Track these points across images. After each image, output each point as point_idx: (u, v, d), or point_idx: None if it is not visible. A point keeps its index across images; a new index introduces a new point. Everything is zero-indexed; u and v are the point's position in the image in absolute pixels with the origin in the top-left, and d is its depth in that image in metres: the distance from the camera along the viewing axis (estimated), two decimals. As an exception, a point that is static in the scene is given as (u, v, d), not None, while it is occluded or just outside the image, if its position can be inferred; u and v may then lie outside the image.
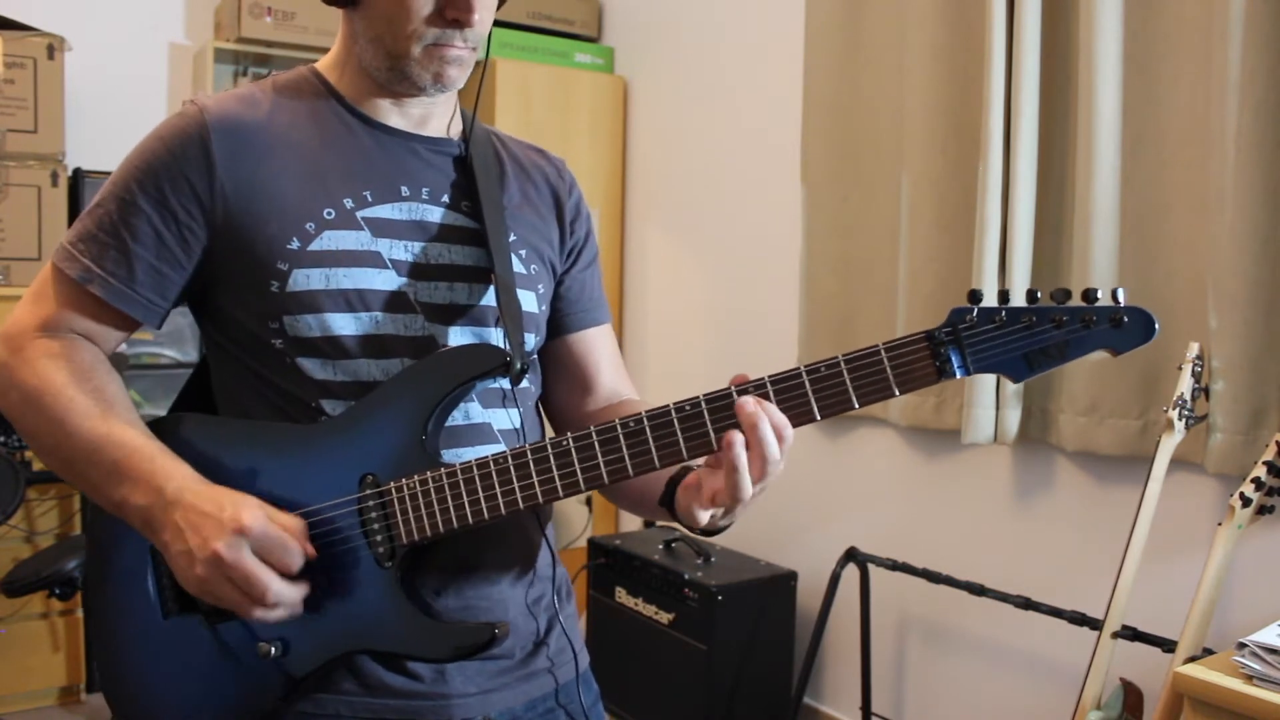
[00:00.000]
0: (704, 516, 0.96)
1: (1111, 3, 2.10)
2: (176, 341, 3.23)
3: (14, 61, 2.97)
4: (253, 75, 3.56)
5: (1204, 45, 2.00)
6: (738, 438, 0.90)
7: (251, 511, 0.94)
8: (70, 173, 3.11)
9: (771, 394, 0.92)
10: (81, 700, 3.11)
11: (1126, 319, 0.88)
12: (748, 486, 0.91)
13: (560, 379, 1.23)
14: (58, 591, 2.57)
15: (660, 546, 2.92)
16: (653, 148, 3.62)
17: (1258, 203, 1.88)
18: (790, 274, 2.93)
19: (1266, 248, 1.89)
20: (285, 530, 0.95)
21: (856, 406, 0.91)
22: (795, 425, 0.92)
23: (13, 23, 3.00)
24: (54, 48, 3.01)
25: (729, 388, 0.94)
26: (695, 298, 3.40)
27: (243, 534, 0.93)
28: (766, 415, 0.91)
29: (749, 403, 0.91)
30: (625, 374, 1.27)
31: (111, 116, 3.40)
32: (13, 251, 2.97)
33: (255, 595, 0.93)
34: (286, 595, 0.95)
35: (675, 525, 3.18)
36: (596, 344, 1.24)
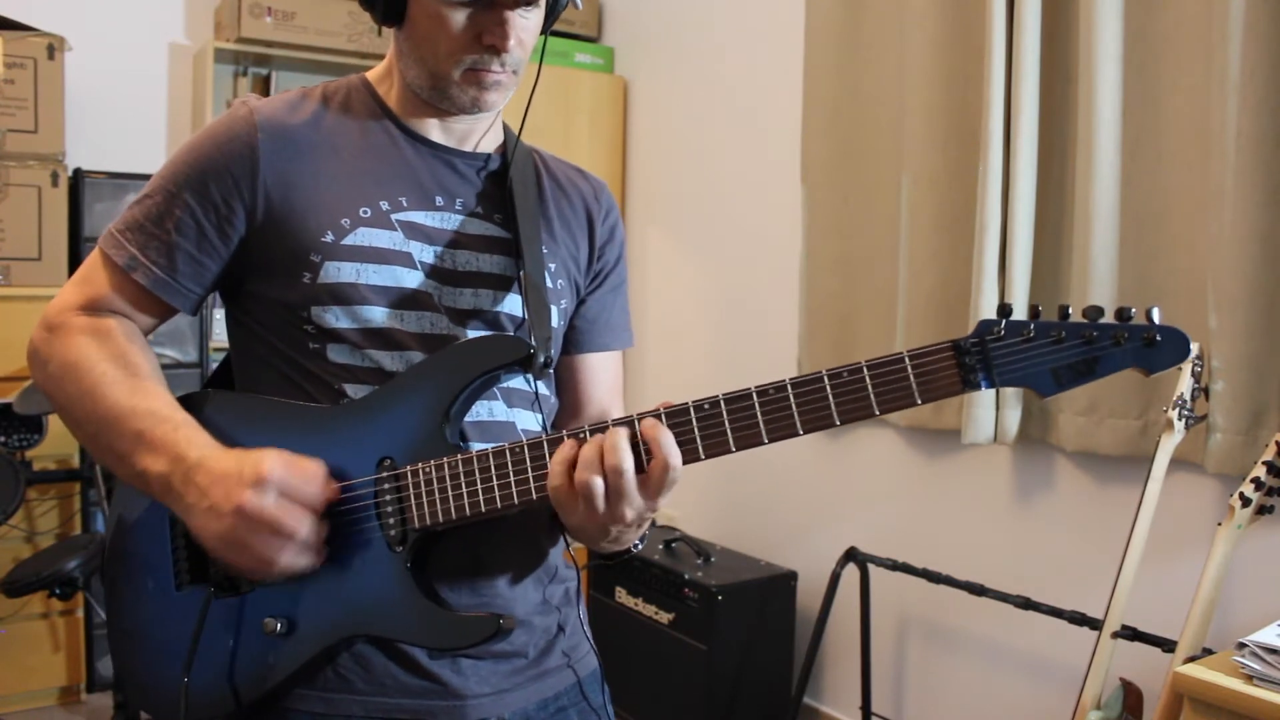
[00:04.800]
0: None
1: (1111, 3, 2.10)
2: (177, 341, 3.23)
3: (14, 61, 2.97)
4: (253, 75, 3.56)
5: (1204, 45, 2.00)
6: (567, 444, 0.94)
7: (270, 460, 0.95)
8: (70, 173, 3.11)
9: (792, 397, 0.92)
10: (81, 700, 3.11)
11: (1160, 338, 0.87)
12: (596, 504, 0.93)
13: (556, 394, 1.23)
14: (58, 591, 2.57)
15: (660, 546, 2.92)
16: (653, 148, 3.62)
17: (1258, 203, 1.88)
18: (790, 274, 2.93)
19: (1266, 248, 1.89)
20: (306, 471, 0.97)
21: (877, 413, 0.90)
22: (815, 429, 0.92)
23: (13, 23, 3.01)
24: (54, 48, 3.01)
25: (748, 389, 0.93)
26: (695, 298, 3.40)
27: (264, 482, 0.94)
28: (649, 440, 0.92)
29: (648, 427, 0.93)
30: (620, 400, 1.28)
31: (111, 116, 3.40)
32: (13, 251, 2.97)
33: (286, 533, 0.94)
34: (314, 536, 0.97)
35: (674, 526, 3.17)
36: (600, 369, 1.25)
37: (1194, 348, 1.87)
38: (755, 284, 3.15)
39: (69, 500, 3.08)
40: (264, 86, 3.54)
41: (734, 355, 3.24)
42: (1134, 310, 0.88)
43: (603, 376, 1.25)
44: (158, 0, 3.54)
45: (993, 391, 2.29)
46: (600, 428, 0.96)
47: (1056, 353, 0.88)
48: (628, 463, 0.92)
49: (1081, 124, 2.14)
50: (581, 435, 0.96)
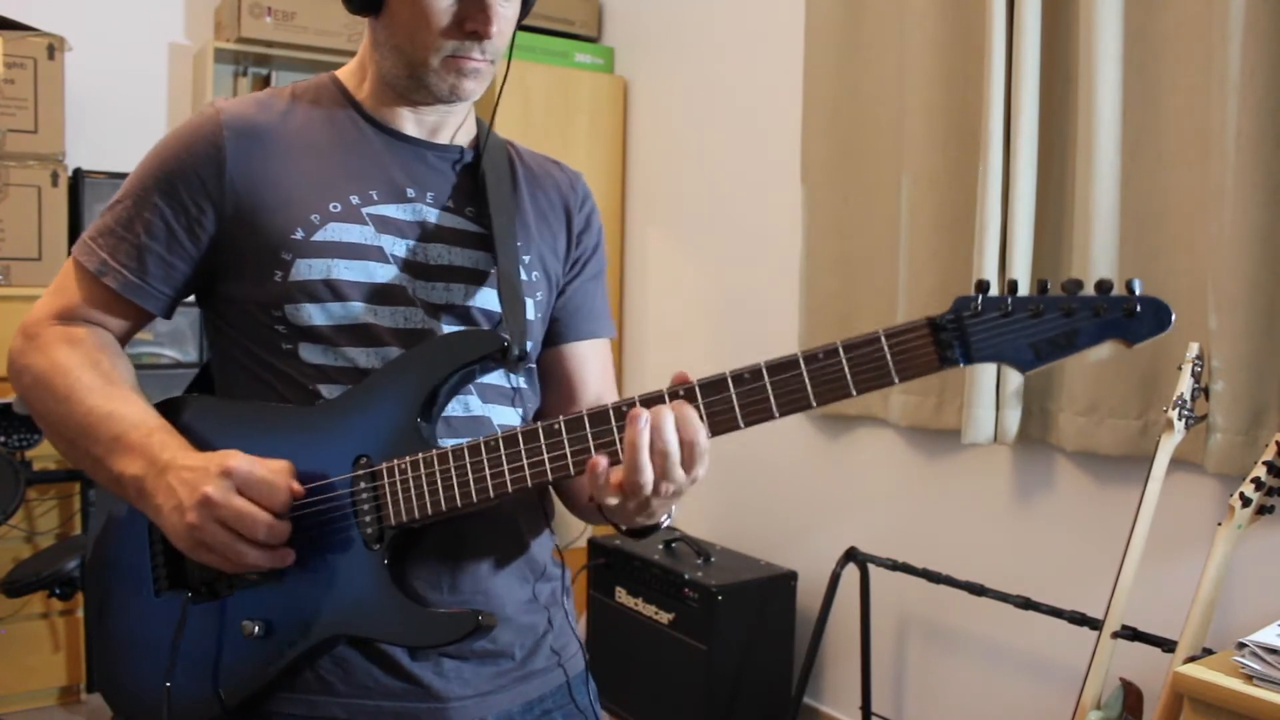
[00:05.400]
0: (612, 501, 0.94)
1: (1111, 3, 2.10)
2: (176, 341, 3.23)
3: (14, 61, 2.96)
4: (253, 75, 3.56)
5: (1204, 45, 2.00)
6: (642, 414, 0.90)
7: (236, 456, 0.96)
8: (70, 173, 3.11)
9: (767, 381, 0.91)
10: (81, 700, 3.12)
11: (1140, 308, 0.83)
12: (645, 467, 0.90)
13: (547, 388, 1.23)
14: (58, 591, 2.57)
15: (660, 546, 2.92)
16: (653, 148, 3.62)
17: (1258, 203, 1.88)
18: (790, 274, 2.93)
19: (1266, 248, 1.89)
20: (271, 471, 0.97)
21: (854, 394, 0.89)
22: (791, 412, 0.91)
23: (13, 23, 3.00)
24: (54, 48, 3.01)
25: (722, 374, 0.93)
26: (695, 298, 3.40)
27: (229, 475, 0.95)
28: (675, 413, 0.91)
29: (676, 407, 0.91)
30: (613, 389, 1.27)
31: (111, 116, 3.40)
32: (13, 251, 2.97)
33: (247, 531, 0.95)
34: (277, 533, 0.96)
35: (673, 526, 3.17)
36: (590, 357, 1.24)
37: (1194, 347, 1.87)
38: (755, 284, 3.15)
39: (69, 500, 3.08)
40: (264, 86, 3.54)
41: (734, 355, 3.24)
42: (1113, 282, 0.85)
43: (593, 364, 1.24)
44: (158, 0, 3.54)
45: (993, 391, 2.29)
46: (574, 417, 0.95)
47: (1035, 327, 0.85)
48: (673, 445, 0.91)
49: (1081, 124, 2.14)
50: (556, 426, 0.95)
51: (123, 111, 3.43)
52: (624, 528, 1.04)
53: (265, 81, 3.54)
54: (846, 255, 2.74)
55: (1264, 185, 1.88)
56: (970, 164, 2.36)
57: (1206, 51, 1.99)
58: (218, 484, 0.94)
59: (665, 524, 1.04)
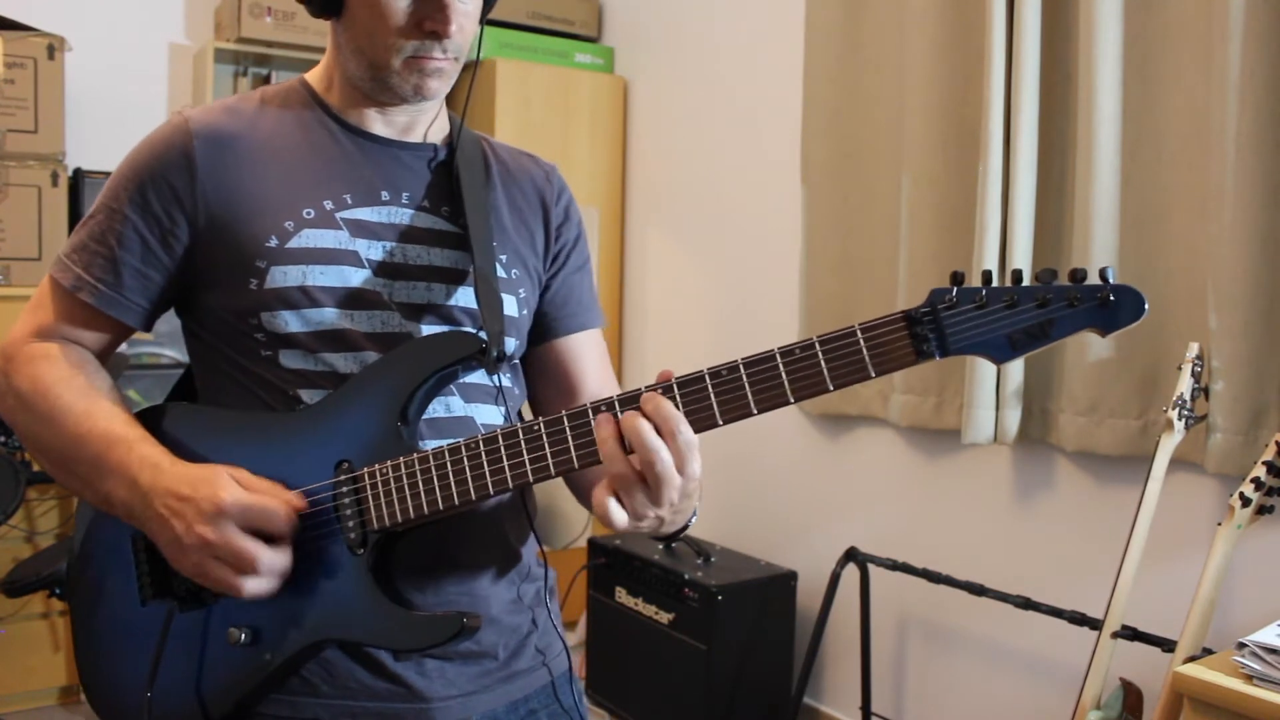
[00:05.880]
0: (616, 513, 0.91)
1: (1111, 3, 2.10)
2: (177, 341, 3.23)
3: (14, 61, 2.96)
4: (253, 75, 3.56)
5: (1204, 45, 2.00)
6: (603, 423, 0.89)
7: (227, 488, 0.95)
8: (70, 173, 3.11)
9: (745, 377, 0.90)
10: (81, 700, 3.11)
11: (1114, 298, 0.83)
12: (632, 484, 0.89)
13: (546, 383, 1.22)
14: (58, 591, 2.57)
15: (660, 546, 2.92)
16: (653, 148, 3.62)
17: (1258, 203, 1.88)
18: (790, 274, 2.93)
19: (1266, 248, 1.89)
20: (264, 495, 0.96)
21: (831, 389, 0.89)
22: (769, 409, 0.90)
23: (13, 23, 3.01)
24: (54, 48, 3.01)
25: (700, 371, 0.92)
26: (695, 298, 3.40)
27: (223, 513, 0.94)
28: (651, 414, 0.88)
29: (647, 400, 0.89)
30: (612, 379, 1.26)
31: (111, 116, 3.40)
32: (13, 251, 2.97)
33: (246, 569, 0.94)
34: (277, 563, 0.96)
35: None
36: (583, 349, 1.23)
37: (1194, 347, 1.87)
38: (755, 284, 3.15)
39: (69, 500, 3.08)
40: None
41: (734, 356, 3.23)
42: (1086, 271, 0.85)
43: (589, 356, 1.23)
44: (158, 0, 3.54)
45: (993, 391, 2.29)
46: (554, 418, 0.94)
47: (1011, 318, 0.86)
48: (658, 447, 0.88)
49: (1081, 124, 2.14)
50: (536, 426, 0.95)
51: (123, 112, 3.43)
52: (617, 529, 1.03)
53: (265, 81, 3.54)
54: (846, 255, 2.74)
55: (1264, 185, 1.88)
56: (970, 164, 2.36)
57: (1206, 51, 1.99)
58: (212, 526, 0.94)
59: (692, 523, 1.02)
